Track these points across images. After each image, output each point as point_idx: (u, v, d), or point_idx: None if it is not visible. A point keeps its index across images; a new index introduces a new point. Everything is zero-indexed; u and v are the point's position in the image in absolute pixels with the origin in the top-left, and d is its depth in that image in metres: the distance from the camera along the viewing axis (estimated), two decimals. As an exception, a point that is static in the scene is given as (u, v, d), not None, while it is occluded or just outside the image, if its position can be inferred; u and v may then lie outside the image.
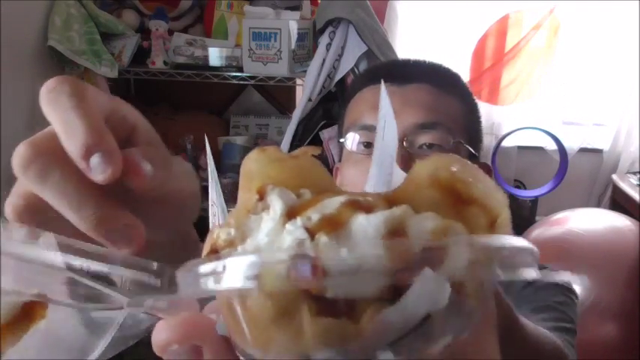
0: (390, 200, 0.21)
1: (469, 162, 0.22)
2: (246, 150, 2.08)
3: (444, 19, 2.38)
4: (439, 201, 0.21)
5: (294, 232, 0.19)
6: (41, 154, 0.30)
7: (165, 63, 1.96)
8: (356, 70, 1.77)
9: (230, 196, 2.03)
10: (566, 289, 0.79)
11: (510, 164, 2.46)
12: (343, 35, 1.71)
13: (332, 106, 1.77)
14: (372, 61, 1.82)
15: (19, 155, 0.30)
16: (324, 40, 1.72)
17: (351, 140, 0.80)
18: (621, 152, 2.40)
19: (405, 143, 0.75)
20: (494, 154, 2.35)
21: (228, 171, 2.04)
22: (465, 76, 2.40)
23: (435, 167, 0.22)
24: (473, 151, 0.80)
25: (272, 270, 0.17)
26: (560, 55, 2.35)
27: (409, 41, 2.38)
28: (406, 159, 0.73)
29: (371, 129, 0.77)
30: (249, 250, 0.20)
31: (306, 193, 0.21)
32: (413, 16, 2.39)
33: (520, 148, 2.45)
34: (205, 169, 2.09)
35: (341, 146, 0.86)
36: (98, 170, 0.28)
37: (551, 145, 2.36)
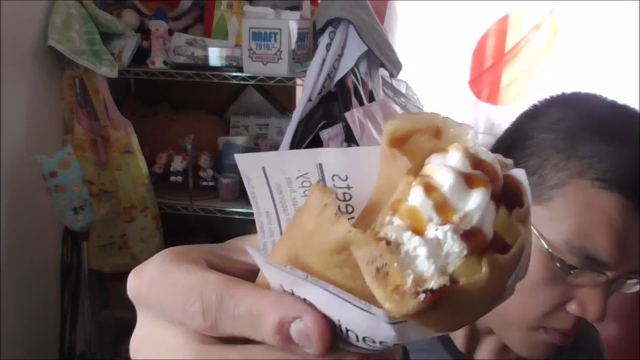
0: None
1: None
2: (246, 150, 2.08)
3: (444, 19, 2.38)
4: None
5: (449, 239, 0.21)
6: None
7: (165, 63, 1.96)
8: (356, 70, 1.77)
9: (231, 196, 2.03)
10: None
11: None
12: (343, 35, 1.71)
13: (332, 106, 1.77)
14: (372, 61, 1.82)
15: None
16: (324, 40, 1.72)
17: (555, 258, 0.60)
18: (621, 152, 2.40)
19: (614, 283, 0.61)
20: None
21: (229, 171, 2.04)
22: (465, 76, 2.41)
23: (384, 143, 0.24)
24: None
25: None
26: (560, 55, 2.35)
27: (409, 41, 2.38)
28: (608, 298, 0.60)
29: (601, 265, 0.58)
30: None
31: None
32: (413, 16, 2.39)
33: (520, 148, 2.45)
34: (205, 169, 2.09)
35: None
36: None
37: (551, 145, 2.36)
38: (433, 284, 0.20)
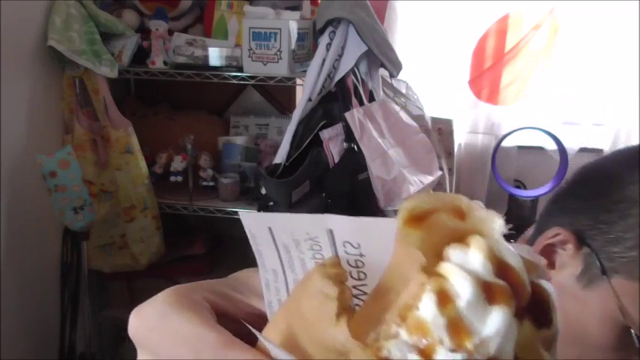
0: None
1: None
2: (246, 150, 2.08)
3: (444, 19, 2.38)
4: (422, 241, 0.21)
5: None
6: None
7: (165, 63, 1.96)
8: (356, 70, 1.77)
9: (231, 196, 2.03)
10: None
11: (510, 164, 2.46)
12: (343, 35, 1.71)
13: (332, 106, 1.77)
14: (372, 61, 1.82)
15: None
16: (324, 40, 1.72)
17: (635, 337, 0.60)
18: (621, 152, 2.39)
19: None
20: (494, 154, 2.35)
21: (229, 171, 2.04)
22: (465, 76, 2.41)
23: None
24: None
25: None
26: (560, 55, 2.35)
27: (409, 41, 2.38)
28: None
29: None
30: None
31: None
32: (413, 16, 2.39)
33: (520, 148, 2.45)
34: (205, 169, 2.08)
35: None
36: None
37: (551, 145, 2.36)
38: None
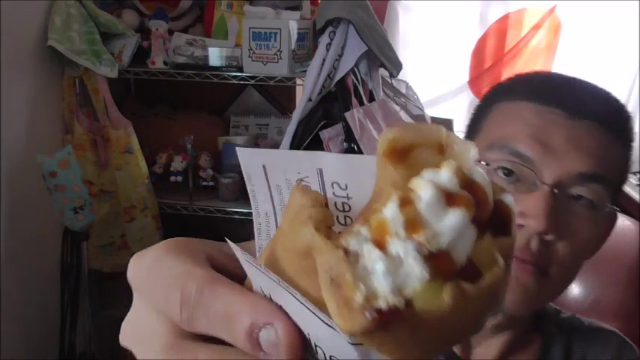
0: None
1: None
2: (246, 150, 2.08)
3: (444, 19, 2.38)
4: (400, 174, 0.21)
5: (411, 257, 0.19)
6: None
7: (165, 63, 1.96)
8: (356, 70, 1.77)
9: (231, 196, 2.03)
10: None
11: (510, 164, 2.46)
12: (343, 35, 1.71)
13: (332, 106, 1.77)
14: (372, 61, 1.82)
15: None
16: (324, 40, 1.72)
17: (490, 162, 0.67)
18: (621, 152, 2.39)
19: (555, 190, 0.62)
20: (494, 154, 2.35)
21: (229, 171, 2.04)
22: (465, 76, 2.41)
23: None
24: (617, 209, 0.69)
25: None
26: (561, 54, 2.35)
27: (409, 41, 2.38)
28: (554, 210, 0.61)
29: (524, 159, 0.64)
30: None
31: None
32: (413, 16, 2.39)
33: (520, 148, 2.45)
34: (205, 169, 2.08)
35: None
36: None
37: (551, 145, 2.36)
38: (382, 303, 0.19)
